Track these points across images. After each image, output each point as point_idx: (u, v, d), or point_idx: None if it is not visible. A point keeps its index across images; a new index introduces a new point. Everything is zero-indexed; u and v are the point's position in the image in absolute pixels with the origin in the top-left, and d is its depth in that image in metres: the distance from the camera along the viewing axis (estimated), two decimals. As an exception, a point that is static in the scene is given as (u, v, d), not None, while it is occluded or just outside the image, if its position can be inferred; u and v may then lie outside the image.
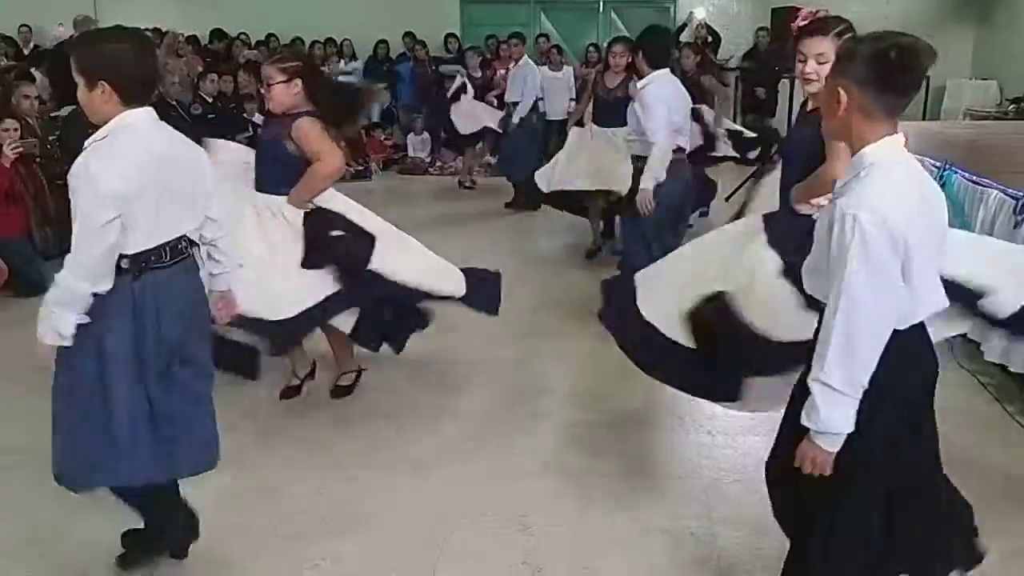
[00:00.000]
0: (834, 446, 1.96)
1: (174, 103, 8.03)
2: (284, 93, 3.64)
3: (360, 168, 10.74)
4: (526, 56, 8.67)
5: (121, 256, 2.37)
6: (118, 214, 2.30)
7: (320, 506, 3.18)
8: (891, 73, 1.87)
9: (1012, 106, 10.49)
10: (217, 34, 11.65)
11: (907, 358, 1.98)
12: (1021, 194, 4.08)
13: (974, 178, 4.66)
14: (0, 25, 10.49)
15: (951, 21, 11.85)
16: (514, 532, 3.03)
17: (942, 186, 4.83)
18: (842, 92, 1.92)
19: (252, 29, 11.71)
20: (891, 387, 1.95)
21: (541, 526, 3.06)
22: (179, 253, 2.51)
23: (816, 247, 2.07)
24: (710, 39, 10.99)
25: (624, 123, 5.25)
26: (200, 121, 8.12)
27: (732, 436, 3.70)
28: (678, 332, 3.05)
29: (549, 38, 11.62)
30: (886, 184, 1.88)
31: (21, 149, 5.76)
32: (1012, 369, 3.88)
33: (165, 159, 2.43)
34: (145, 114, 2.42)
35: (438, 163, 10.94)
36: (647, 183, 4.58)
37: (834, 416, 1.92)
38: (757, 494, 2.52)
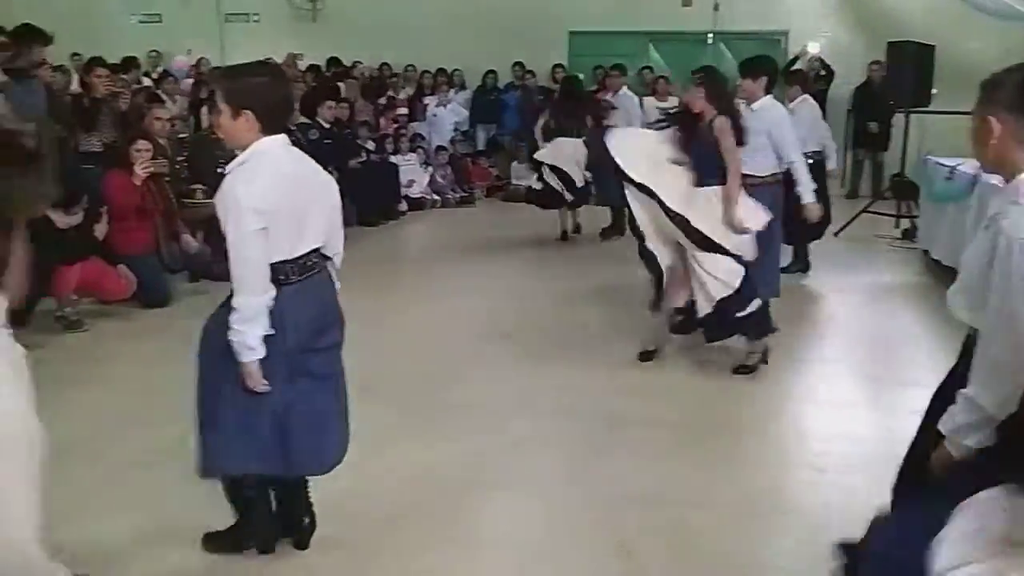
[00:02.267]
0: (955, 451, 2.00)
1: (293, 128, 8.38)
2: None
3: (465, 194, 10.98)
4: (625, 88, 8.73)
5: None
6: (261, 226, 2.50)
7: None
8: None
9: None
10: (333, 62, 12.09)
11: None
12: None
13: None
14: (132, 50, 11.10)
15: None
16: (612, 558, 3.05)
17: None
18: (993, 121, 1.96)
19: (367, 58, 12.12)
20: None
21: (644, 553, 3.07)
22: (309, 268, 2.69)
23: (968, 268, 2.07)
24: (823, 72, 10.82)
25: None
26: (317, 146, 8.45)
27: (839, 473, 3.63)
28: None
29: (653, 69, 11.66)
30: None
31: (152, 168, 6.10)
32: None
33: (297, 179, 2.64)
34: (278, 140, 2.63)
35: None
36: (809, 196, 5.11)
37: (967, 428, 1.97)
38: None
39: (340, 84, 10.51)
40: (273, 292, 2.56)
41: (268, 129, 2.58)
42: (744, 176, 4.86)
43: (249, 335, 2.53)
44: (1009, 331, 1.88)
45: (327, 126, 8.91)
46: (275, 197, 2.54)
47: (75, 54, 10.59)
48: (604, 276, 6.96)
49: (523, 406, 4.36)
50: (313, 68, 10.96)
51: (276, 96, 2.63)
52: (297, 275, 2.65)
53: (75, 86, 8.06)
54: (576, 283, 6.78)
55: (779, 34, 11.87)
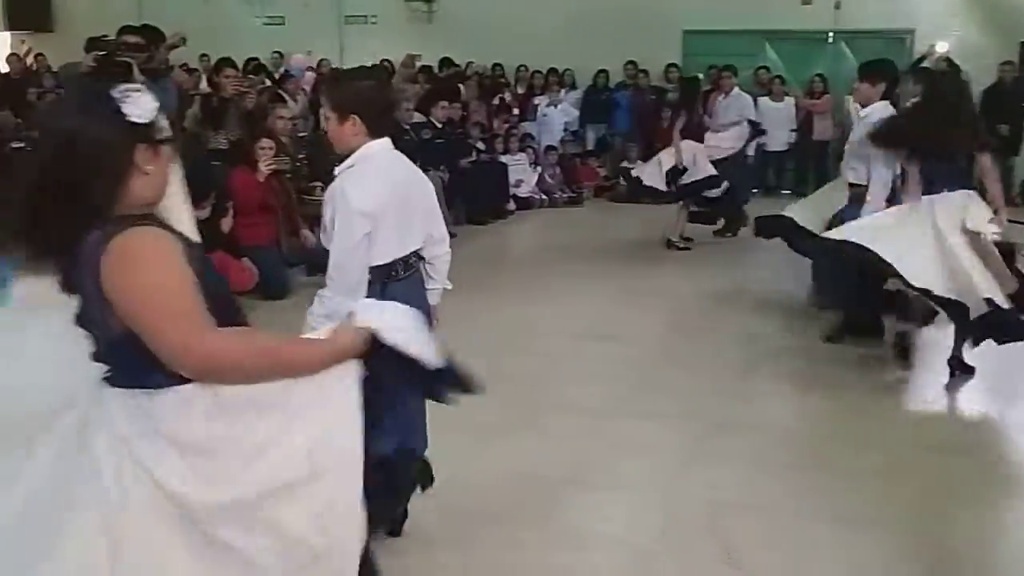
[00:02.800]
0: None
1: (407, 127, 8.56)
2: None
3: (573, 195, 11.00)
4: (737, 88, 8.60)
5: (368, 268, 2.68)
6: (368, 230, 2.59)
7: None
8: None
9: None
10: (446, 62, 12.29)
11: None
12: None
13: None
14: (256, 51, 11.53)
15: None
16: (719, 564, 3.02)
17: None
18: None
19: (479, 58, 12.28)
20: None
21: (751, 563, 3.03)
22: (411, 267, 2.82)
23: None
24: (949, 71, 10.37)
25: None
26: (429, 145, 8.62)
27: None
28: None
29: (769, 69, 11.40)
30: None
31: (275, 166, 6.35)
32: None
33: (400, 183, 2.75)
34: (384, 144, 2.73)
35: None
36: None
37: None
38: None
39: (460, 85, 10.67)
40: (363, 293, 2.61)
41: (374, 133, 2.68)
42: (852, 186, 4.81)
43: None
44: None
45: (440, 126, 9.07)
46: (383, 199, 2.64)
47: (203, 55, 11.08)
48: (711, 279, 6.87)
49: (626, 407, 4.36)
50: (425, 69, 11.16)
51: (381, 100, 2.74)
52: (404, 272, 2.78)
53: (204, 86, 8.43)
54: (682, 285, 6.71)
55: (904, 33, 11.43)
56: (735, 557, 3.04)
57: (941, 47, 10.25)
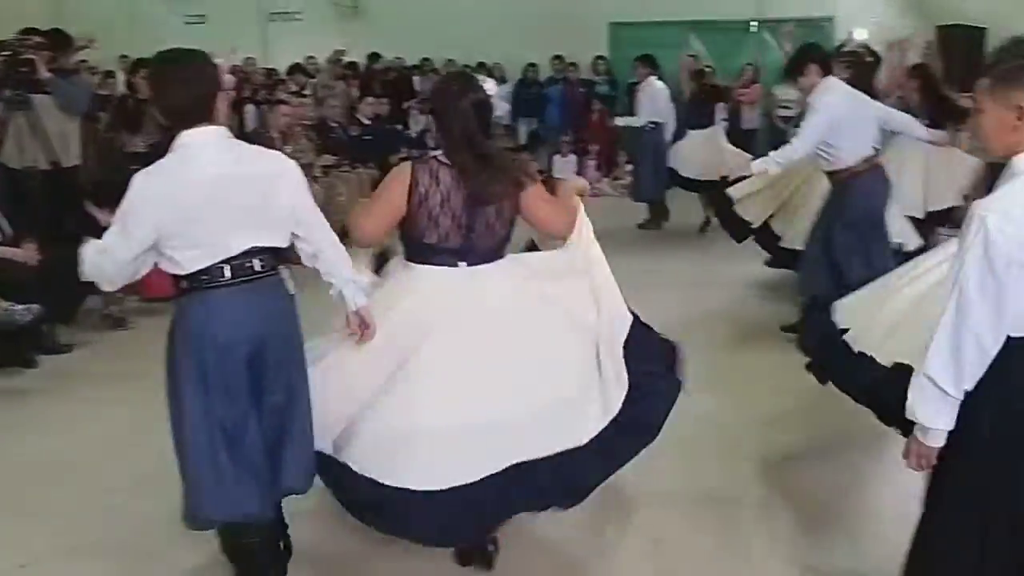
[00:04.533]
0: (933, 441, 1.99)
1: (334, 124, 8.43)
2: None
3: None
4: (651, 77, 8.68)
5: (179, 277, 2.43)
6: (152, 235, 2.37)
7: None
8: None
9: None
10: (374, 58, 12.15)
11: (1020, 367, 1.97)
12: None
13: None
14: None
15: None
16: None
17: None
18: (1022, 107, 1.97)
19: (407, 53, 12.16)
20: (998, 395, 1.96)
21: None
22: (244, 271, 2.43)
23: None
24: (870, 59, 10.58)
25: None
26: (358, 142, 8.50)
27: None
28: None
29: (696, 57, 11.50)
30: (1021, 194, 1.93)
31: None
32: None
33: (223, 178, 2.40)
34: (205, 134, 2.40)
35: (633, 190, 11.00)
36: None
37: (930, 411, 1.97)
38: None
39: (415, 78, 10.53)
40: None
41: (180, 123, 2.39)
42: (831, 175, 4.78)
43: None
44: (960, 304, 1.91)
45: (367, 122, 8.95)
46: (185, 203, 2.35)
47: (123, 56, 10.77)
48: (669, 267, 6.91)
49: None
50: (351, 65, 11.02)
51: (179, 90, 2.39)
52: (236, 277, 2.43)
53: (121, 87, 8.19)
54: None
55: (824, 20, 11.66)
56: (660, 547, 3.05)
57: (860, 34, 10.47)
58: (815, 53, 4.98)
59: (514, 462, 2.52)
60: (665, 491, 3.43)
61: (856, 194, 4.66)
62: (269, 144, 6.91)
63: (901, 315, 2.96)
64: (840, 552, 3.04)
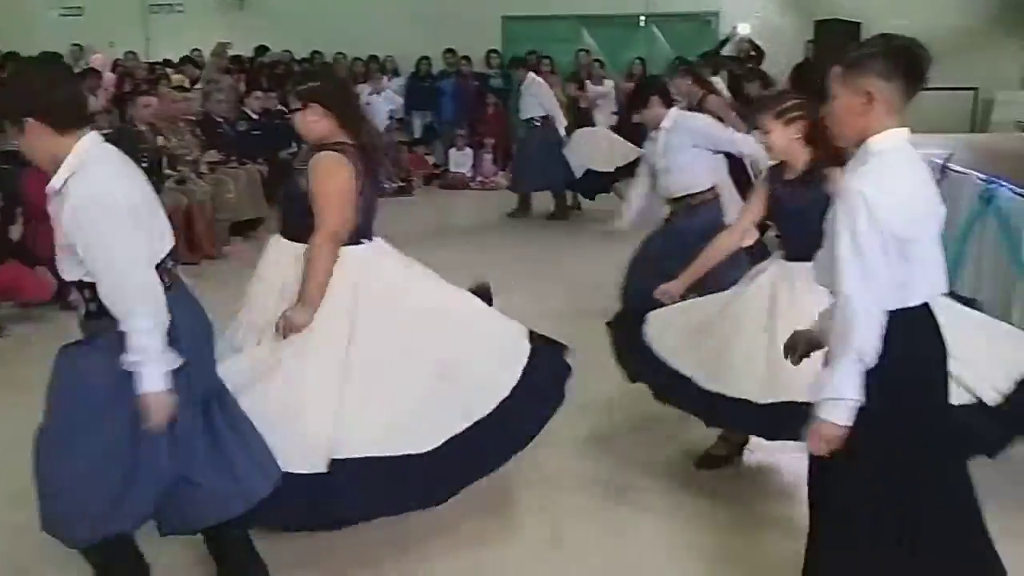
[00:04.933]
0: (839, 417, 2.03)
1: (220, 119, 8.18)
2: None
3: (402, 184, 10.86)
4: (531, 74, 8.92)
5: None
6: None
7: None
8: (917, 65, 2.06)
9: (1064, 118, 10.27)
10: (261, 51, 11.86)
11: (912, 337, 2.08)
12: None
13: (1022, 192, 4.57)
14: (54, 45, 10.76)
15: (1001, 33, 11.62)
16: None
17: (989, 200, 4.76)
18: (873, 91, 2.04)
19: (296, 46, 11.90)
20: (898, 364, 2.03)
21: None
22: (175, 277, 2.42)
23: (827, 240, 2.14)
24: (753, 54, 10.92)
25: None
26: (246, 138, 8.27)
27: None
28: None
29: (589, 52, 11.64)
30: (889, 169, 2.04)
31: None
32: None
33: (136, 174, 2.38)
34: (92, 140, 2.31)
35: (479, 178, 11.03)
36: None
37: (836, 383, 2.01)
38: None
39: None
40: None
41: (63, 131, 2.26)
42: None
43: None
44: (845, 278, 1.99)
45: (256, 117, 8.72)
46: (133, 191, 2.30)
47: (-8, 49, 10.22)
48: (545, 258, 6.95)
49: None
50: (237, 59, 10.72)
51: (59, 95, 2.29)
52: (166, 282, 2.36)
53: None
54: (514, 268, 6.74)
55: (710, 15, 11.95)
56: (558, 535, 3.06)
57: (743, 28, 10.78)
58: (656, 86, 5.00)
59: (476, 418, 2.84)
60: (561, 478, 3.45)
61: (696, 221, 4.55)
62: (138, 138, 6.72)
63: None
64: (738, 537, 3.11)
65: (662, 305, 3.54)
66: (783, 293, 3.14)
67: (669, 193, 4.79)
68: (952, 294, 3.16)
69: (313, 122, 2.89)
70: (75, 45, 11.80)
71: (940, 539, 2.17)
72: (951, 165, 5.56)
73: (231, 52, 10.90)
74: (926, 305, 2.14)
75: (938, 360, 2.16)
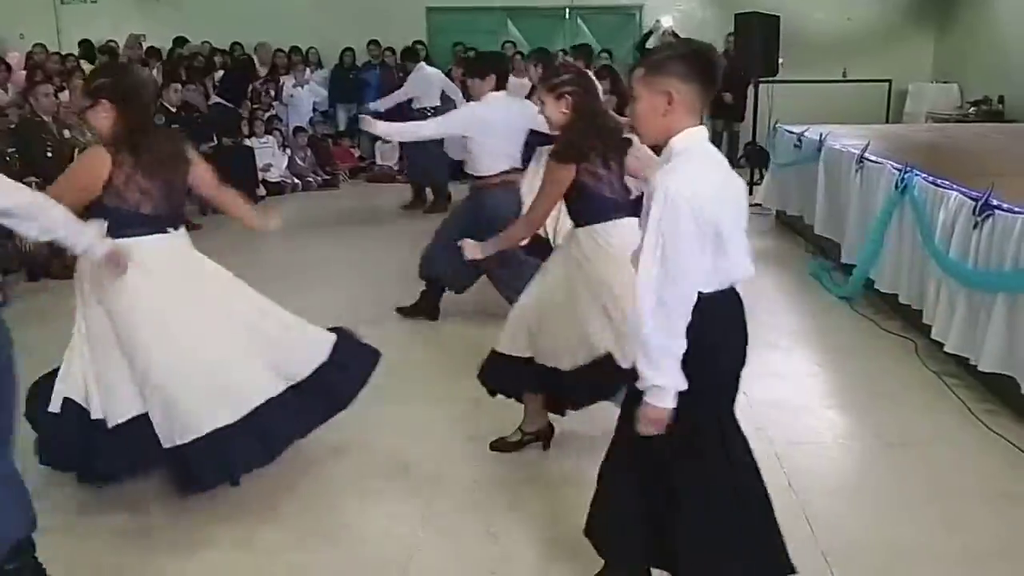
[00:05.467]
0: (663, 401, 2.13)
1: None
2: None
3: (328, 177, 10.70)
4: (421, 63, 9.20)
5: None
6: None
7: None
8: (711, 69, 2.18)
9: (972, 109, 10.61)
10: (180, 42, 11.53)
11: (724, 319, 2.25)
12: (980, 195, 4.13)
13: (935, 180, 4.71)
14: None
15: (912, 25, 11.99)
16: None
17: (904, 189, 4.90)
18: (673, 92, 2.15)
19: (215, 37, 11.60)
20: (711, 347, 2.17)
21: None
22: None
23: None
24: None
25: None
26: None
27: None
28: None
29: (516, 44, 11.62)
30: (694, 166, 2.15)
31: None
32: (980, 368, 3.94)
33: None
34: None
35: (406, 171, 10.93)
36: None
37: (658, 371, 2.11)
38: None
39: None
40: None
41: None
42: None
43: None
44: (663, 267, 2.09)
45: (174, 110, 8.48)
46: None
47: None
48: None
49: (390, 394, 4.26)
50: (154, 51, 10.41)
51: None
52: None
53: None
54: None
55: (634, 8, 12.04)
56: (494, 531, 3.05)
57: (666, 21, 10.88)
58: (501, 67, 5.12)
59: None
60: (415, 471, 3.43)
61: (486, 204, 4.83)
62: (40, 128, 6.47)
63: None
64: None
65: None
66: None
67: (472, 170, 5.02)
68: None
69: (104, 118, 3.06)
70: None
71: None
72: (868, 155, 5.71)
73: (147, 44, 10.59)
74: (733, 288, 2.28)
75: (739, 340, 2.33)
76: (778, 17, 9.21)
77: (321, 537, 3.02)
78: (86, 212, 2.95)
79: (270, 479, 3.36)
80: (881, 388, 4.28)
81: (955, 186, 4.47)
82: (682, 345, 2.11)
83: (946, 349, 4.25)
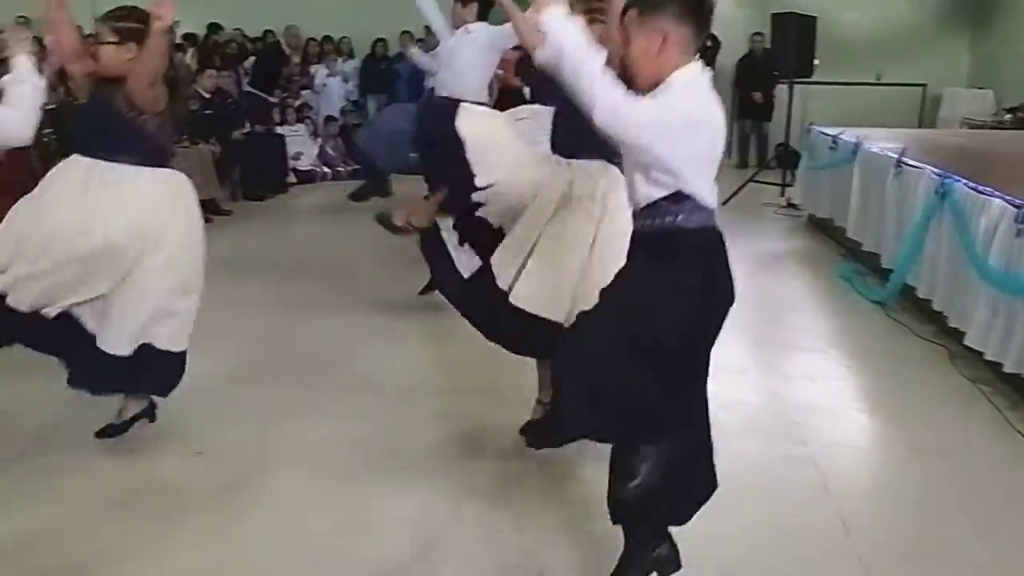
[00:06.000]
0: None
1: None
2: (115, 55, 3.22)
3: (357, 167, 10.71)
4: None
5: None
6: None
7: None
8: (705, 10, 2.22)
9: (1008, 115, 10.50)
10: (214, 28, 11.58)
11: (708, 252, 2.32)
12: (1023, 203, 4.08)
13: (976, 187, 4.66)
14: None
15: (947, 30, 11.87)
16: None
17: (943, 196, 4.85)
18: (668, 33, 2.17)
19: (248, 25, 11.65)
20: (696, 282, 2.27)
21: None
22: None
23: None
24: (709, 44, 11.00)
25: None
26: (197, 117, 8.07)
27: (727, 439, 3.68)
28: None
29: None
30: (696, 88, 2.20)
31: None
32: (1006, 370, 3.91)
33: None
34: None
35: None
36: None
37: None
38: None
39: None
40: None
41: None
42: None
43: None
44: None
45: (208, 96, 8.53)
46: None
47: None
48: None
49: (423, 384, 4.29)
50: (188, 37, 10.46)
51: None
52: None
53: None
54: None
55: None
56: (521, 523, 3.03)
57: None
58: None
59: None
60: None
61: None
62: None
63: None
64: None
65: None
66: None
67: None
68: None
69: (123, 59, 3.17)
70: (21, 17, 11.38)
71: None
72: (906, 159, 5.66)
73: (182, 30, 10.62)
74: (716, 227, 2.32)
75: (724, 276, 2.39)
76: (815, 18, 9.15)
77: (347, 525, 3.02)
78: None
79: (295, 466, 3.40)
80: (914, 394, 4.25)
81: (997, 193, 4.43)
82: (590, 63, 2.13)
83: (987, 357, 4.21)
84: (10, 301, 3.08)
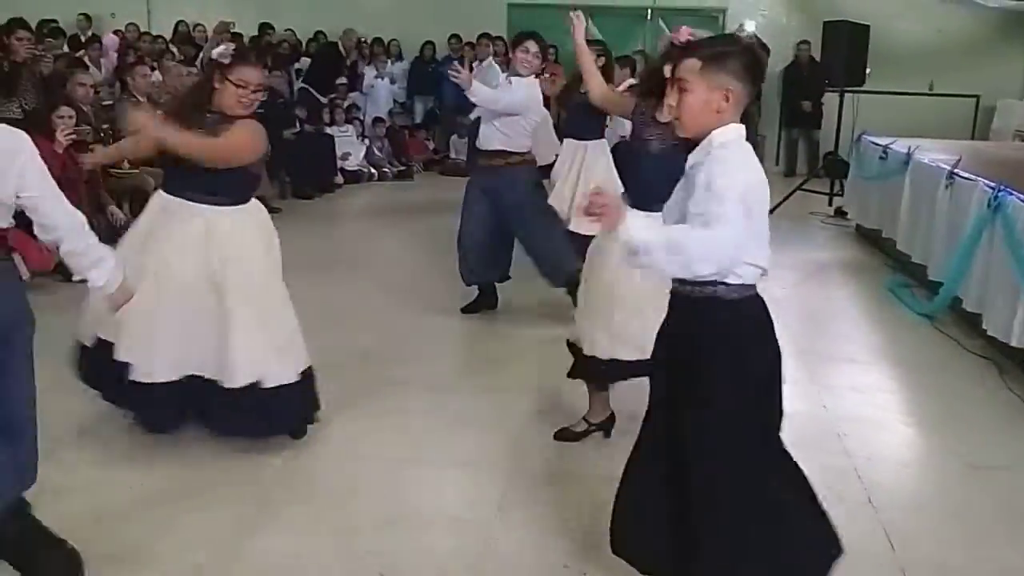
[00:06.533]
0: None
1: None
2: None
3: (403, 168, 10.83)
4: (490, 58, 8.89)
5: None
6: None
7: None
8: (761, 69, 2.25)
9: (1063, 128, 10.31)
10: (265, 28, 11.76)
11: (753, 322, 2.25)
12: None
13: (1030, 200, 4.59)
14: (55, 13, 10.64)
15: (1002, 41, 11.65)
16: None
17: (996, 209, 4.78)
18: (730, 90, 2.12)
19: (300, 26, 11.82)
20: (741, 349, 2.21)
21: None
22: None
23: (669, 211, 2.26)
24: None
25: None
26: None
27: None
28: None
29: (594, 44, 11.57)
30: (741, 155, 2.13)
31: (75, 136, 5.85)
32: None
33: None
34: None
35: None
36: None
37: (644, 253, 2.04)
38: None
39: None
40: None
41: None
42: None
43: None
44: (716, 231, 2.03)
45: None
46: None
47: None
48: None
49: (465, 382, 4.33)
50: (236, 36, 10.64)
51: None
52: None
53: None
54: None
55: (717, 11, 11.93)
56: (570, 524, 3.06)
57: (750, 26, 10.77)
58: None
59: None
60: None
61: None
62: (135, 110, 6.67)
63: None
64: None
65: None
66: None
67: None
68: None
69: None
70: (82, 15, 11.68)
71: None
72: (959, 171, 5.59)
73: (233, 30, 10.80)
74: (759, 295, 2.25)
75: (770, 345, 2.31)
76: (868, 26, 9.05)
77: (395, 524, 3.06)
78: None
79: (344, 464, 3.45)
80: (962, 408, 4.20)
81: (1051, 207, 4.36)
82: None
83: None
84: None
